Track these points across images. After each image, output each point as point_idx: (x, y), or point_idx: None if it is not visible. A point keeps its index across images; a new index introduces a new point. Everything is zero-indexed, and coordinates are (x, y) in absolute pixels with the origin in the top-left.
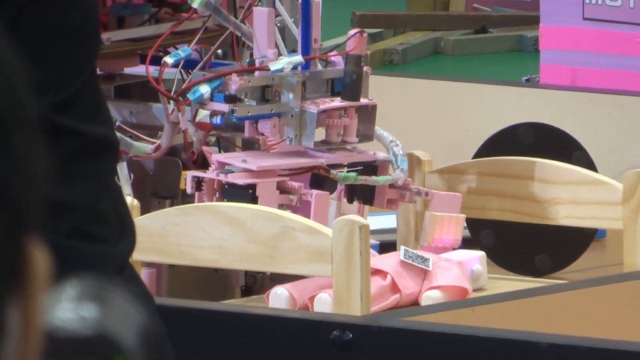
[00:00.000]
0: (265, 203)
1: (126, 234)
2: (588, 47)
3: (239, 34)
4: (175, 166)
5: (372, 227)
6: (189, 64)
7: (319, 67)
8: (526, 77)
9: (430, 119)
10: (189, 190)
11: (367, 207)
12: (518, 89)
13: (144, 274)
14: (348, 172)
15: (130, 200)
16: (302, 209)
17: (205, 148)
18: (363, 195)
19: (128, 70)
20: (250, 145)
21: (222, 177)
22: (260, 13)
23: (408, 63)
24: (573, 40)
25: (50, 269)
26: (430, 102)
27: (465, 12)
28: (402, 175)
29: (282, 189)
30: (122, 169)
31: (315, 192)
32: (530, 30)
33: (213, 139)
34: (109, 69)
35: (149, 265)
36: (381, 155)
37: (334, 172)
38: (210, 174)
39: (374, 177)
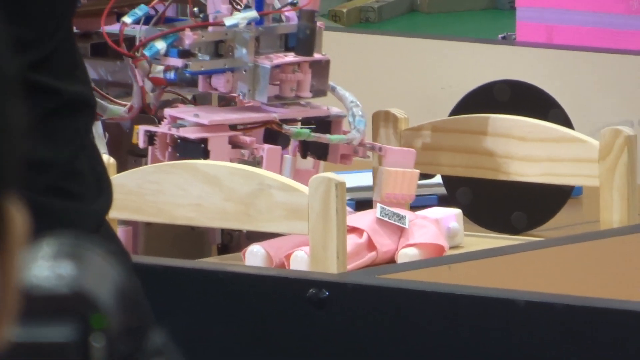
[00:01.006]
0: (217, 157)
1: (103, 192)
2: (564, 4)
3: None
4: (152, 124)
5: (348, 185)
6: (149, 22)
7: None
8: (502, 35)
9: (407, 77)
10: (141, 145)
11: (322, 162)
12: (494, 46)
13: (120, 232)
14: (301, 128)
15: (107, 158)
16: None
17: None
18: (316, 150)
19: (107, 28)
20: (227, 103)
21: (174, 132)
22: None
23: (384, 21)
24: None
25: (28, 226)
26: (406, 60)
27: None
28: (358, 135)
29: (234, 144)
30: (97, 128)
31: (267, 146)
32: None
33: (190, 96)
34: (86, 28)
35: (125, 223)
36: (335, 110)
37: (286, 127)
38: (162, 128)
39: (328, 136)
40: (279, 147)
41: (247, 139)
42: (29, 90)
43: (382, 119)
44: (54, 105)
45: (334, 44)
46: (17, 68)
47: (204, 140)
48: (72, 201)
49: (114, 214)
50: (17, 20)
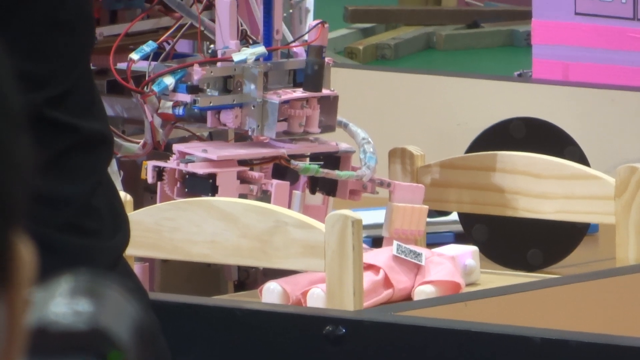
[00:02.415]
0: (226, 193)
1: (120, 229)
2: (580, 41)
3: (203, 28)
4: (165, 160)
5: (364, 222)
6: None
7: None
8: (518, 72)
9: (423, 114)
10: (149, 180)
11: (331, 198)
12: (510, 83)
13: (136, 269)
14: (310, 163)
15: (124, 195)
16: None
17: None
18: (325, 186)
19: (120, 65)
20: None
21: (182, 167)
22: (223, 4)
23: (400, 58)
24: (565, 34)
25: (36, 263)
26: (422, 97)
27: (458, 6)
28: (368, 172)
29: (243, 179)
30: (112, 166)
31: (275, 181)
32: (523, 25)
33: (206, 133)
34: (102, 64)
35: (142, 259)
36: (343, 146)
37: (295, 162)
38: (170, 163)
39: (337, 172)
40: (287, 183)
41: (255, 174)
42: (47, 127)
43: (398, 156)
44: (71, 141)
45: (351, 81)
46: (29, 104)
47: (213, 176)
48: (89, 238)
49: (130, 250)
50: (35, 56)
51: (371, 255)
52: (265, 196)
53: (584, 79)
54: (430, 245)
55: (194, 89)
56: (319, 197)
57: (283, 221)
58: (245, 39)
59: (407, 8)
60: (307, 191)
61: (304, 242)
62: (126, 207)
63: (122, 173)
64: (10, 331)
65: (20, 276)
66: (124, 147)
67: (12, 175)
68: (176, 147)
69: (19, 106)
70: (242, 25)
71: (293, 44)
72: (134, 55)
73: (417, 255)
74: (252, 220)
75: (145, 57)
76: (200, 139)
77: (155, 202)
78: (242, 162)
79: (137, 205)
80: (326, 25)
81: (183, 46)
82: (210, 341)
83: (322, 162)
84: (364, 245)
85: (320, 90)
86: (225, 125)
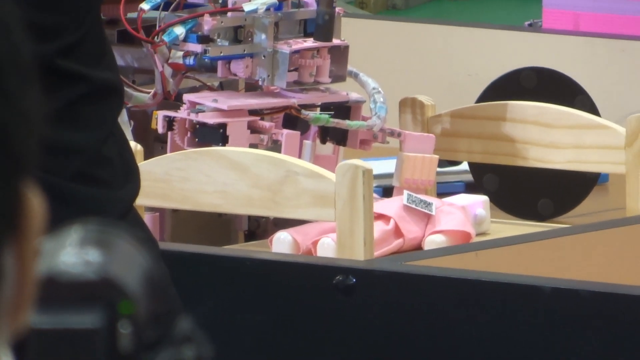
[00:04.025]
0: (236, 143)
1: (131, 178)
2: None
3: None
4: (175, 110)
5: (375, 172)
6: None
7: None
8: (529, 22)
9: (433, 64)
10: (160, 130)
11: (342, 148)
12: (521, 33)
13: (147, 219)
14: (321, 113)
15: (134, 145)
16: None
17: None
18: (335, 136)
19: (131, 15)
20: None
21: (192, 117)
22: None
23: (410, 8)
24: None
25: (46, 213)
26: (432, 47)
27: None
28: (379, 122)
29: (253, 129)
30: (123, 116)
31: (285, 131)
32: None
33: (216, 83)
34: (112, 14)
35: (152, 209)
36: (354, 96)
37: (305, 112)
38: (181, 113)
39: (347, 121)
40: (297, 133)
41: (266, 124)
42: (58, 77)
43: (409, 106)
44: (82, 91)
45: (361, 31)
46: (40, 54)
47: (223, 126)
48: (99, 187)
49: (141, 200)
50: (47, 7)
51: (381, 205)
52: (275, 146)
53: (594, 29)
54: (441, 195)
55: (204, 39)
56: (329, 146)
57: (293, 171)
58: None
59: None
60: (318, 141)
61: (315, 192)
62: (136, 157)
63: (132, 123)
64: (20, 281)
65: (30, 226)
66: (135, 97)
67: (23, 126)
68: (186, 97)
69: (30, 56)
70: None
71: None
72: (145, 5)
73: (428, 204)
74: (262, 170)
75: (155, 7)
76: (210, 88)
77: (165, 152)
78: (252, 112)
79: (148, 155)
80: None
81: None
82: (220, 291)
83: (332, 112)
84: (375, 195)
85: (330, 40)
86: (235, 75)
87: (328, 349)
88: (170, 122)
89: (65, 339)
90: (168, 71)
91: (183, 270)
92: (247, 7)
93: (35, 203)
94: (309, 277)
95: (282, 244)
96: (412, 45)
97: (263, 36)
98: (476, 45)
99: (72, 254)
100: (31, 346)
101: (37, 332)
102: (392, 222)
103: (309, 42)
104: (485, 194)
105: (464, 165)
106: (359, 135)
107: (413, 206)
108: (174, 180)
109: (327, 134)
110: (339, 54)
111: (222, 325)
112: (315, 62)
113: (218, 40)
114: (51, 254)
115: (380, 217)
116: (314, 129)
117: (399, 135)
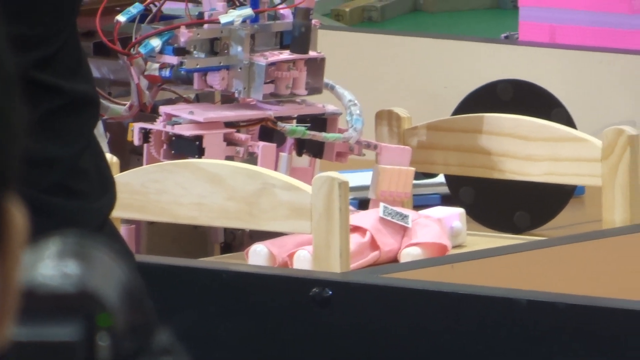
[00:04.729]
0: (212, 155)
1: (107, 190)
2: (566, 4)
3: None
4: (151, 122)
5: (351, 184)
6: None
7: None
8: (505, 34)
9: (410, 76)
10: (136, 142)
11: (318, 160)
12: (497, 45)
13: (123, 231)
14: (297, 126)
15: (110, 157)
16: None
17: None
18: (312, 148)
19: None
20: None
21: (168, 129)
22: None
23: (387, 20)
24: None
25: (28, 225)
26: (409, 59)
27: None
28: (355, 134)
29: (229, 141)
30: (99, 128)
31: (262, 143)
32: None
33: (193, 95)
34: (88, 26)
35: (128, 222)
36: (330, 108)
37: (281, 124)
38: (157, 125)
39: (323, 134)
40: (273, 145)
41: (242, 136)
42: (34, 89)
43: (385, 118)
44: (58, 103)
45: (337, 44)
46: (18, 66)
47: (199, 138)
48: (76, 199)
49: (117, 212)
50: (23, 19)
51: (357, 218)
52: (251, 158)
53: (571, 41)
54: (417, 207)
55: (180, 51)
56: (305, 159)
57: (270, 183)
58: (232, 1)
59: None
60: (294, 153)
61: (291, 204)
62: (112, 169)
63: (108, 135)
64: (3, 294)
65: (13, 239)
66: (111, 109)
67: (9, 139)
68: (163, 109)
69: (14, 69)
70: None
71: (280, 6)
72: (121, 17)
73: (404, 217)
74: (238, 183)
75: (132, 19)
76: (186, 100)
77: (141, 164)
78: (228, 124)
79: (124, 167)
80: None
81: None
82: (196, 303)
83: (308, 124)
84: (351, 208)
85: (307, 52)
86: (212, 87)
87: None
88: (146, 134)
89: (43, 352)
90: (144, 83)
91: (159, 283)
92: (223, 19)
93: (19, 216)
94: (286, 289)
95: (258, 256)
96: (388, 58)
97: (239, 48)
98: (452, 57)
99: (50, 266)
100: (10, 359)
101: (15, 345)
102: (368, 235)
103: (286, 54)
104: (461, 206)
105: (440, 178)
106: (335, 147)
107: (389, 218)
108: (150, 193)
109: (304, 147)
110: (316, 66)
111: (198, 338)
112: (291, 75)
113: (194, 52)
114: (29, 266)
115: (356, 229)
116: (290, 141)
117: (375, 147)
